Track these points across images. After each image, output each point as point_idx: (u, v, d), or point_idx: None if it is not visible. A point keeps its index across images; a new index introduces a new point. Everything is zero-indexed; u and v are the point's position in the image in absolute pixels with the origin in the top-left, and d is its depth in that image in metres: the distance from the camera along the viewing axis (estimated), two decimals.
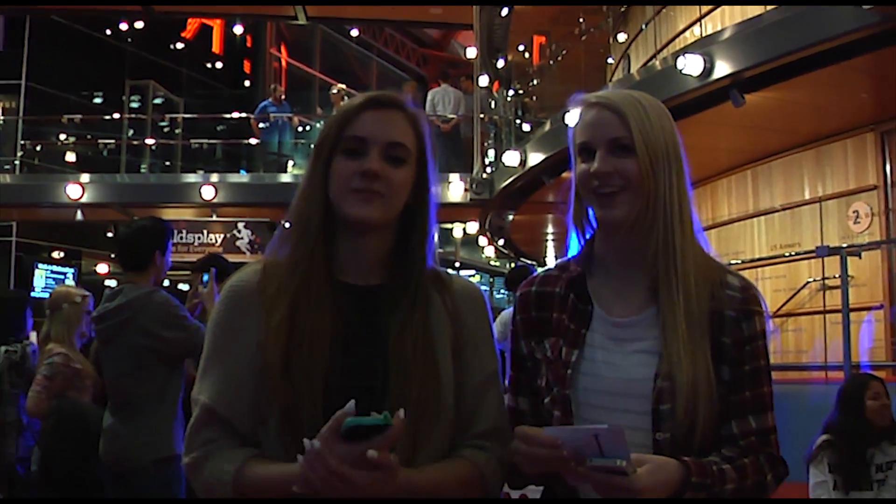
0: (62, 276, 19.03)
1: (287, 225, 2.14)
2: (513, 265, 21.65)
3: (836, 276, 8.65)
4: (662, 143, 2.11)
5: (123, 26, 23.05)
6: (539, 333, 2.23)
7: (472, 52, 18.07)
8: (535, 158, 12.97)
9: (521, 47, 19.00)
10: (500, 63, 18.92)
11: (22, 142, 19.00)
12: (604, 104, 2.14)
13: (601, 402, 2.10)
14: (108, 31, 23.33)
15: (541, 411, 2.21)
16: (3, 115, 20.26)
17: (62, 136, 20.28)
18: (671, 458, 1.96)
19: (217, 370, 2.07)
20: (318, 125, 18.76)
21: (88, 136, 20.38)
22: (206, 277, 5.35)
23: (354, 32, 28.23)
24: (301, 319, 2.01)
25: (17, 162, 18.79)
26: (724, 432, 2.08)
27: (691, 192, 2.17)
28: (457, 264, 27.41)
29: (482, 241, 21.50)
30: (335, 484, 1.77)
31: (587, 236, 2.26)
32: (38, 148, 19.66)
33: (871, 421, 5.50)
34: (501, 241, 19.59)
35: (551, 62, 17.18)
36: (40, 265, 19.67)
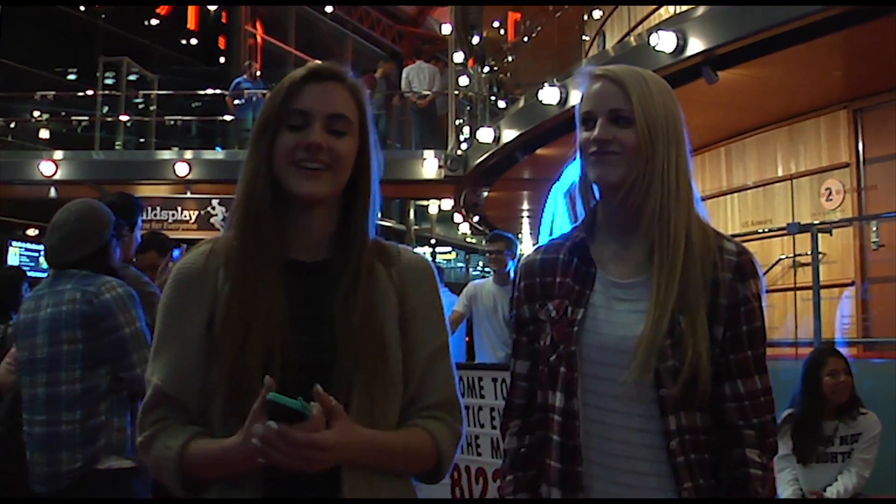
0: (36, 254, 18.91)
1: (234, 203, 2.13)
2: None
3: (808, 252, 8.71)
4: (662, 118, 2.23)
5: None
6: (542, 297, 2.34)
7: (447, 29, 18.03)
8: (509, 135, 12.98)
9: (496, 23, 18.98)
10: (475, 39, 18.89)
11: None
12: (608, 77, 2.27)
13: (603, 358, 2.21)
14: (82, 7, 23.14)
15: (536, 374, 2.34)
16: None
17: (35, 113, 20.11)
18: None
19: (167, 352, 2.09)
20: None
21: (62, 113, 20.23)
22: (176, 253, 5.33)
23: (329, 8, 28.12)
24: (249, 299, 2.02)
25: None
26: (728, 391, 2.21)
27: (691, 165, 2.28)
28: (433, 241, 27.43)
29: (458, 217, 21.52)
30: (300, 457, 1.84)
31: (591, 205, 2.38)
32: (12, 125, 19.51)
33: (827, 397, 5.52)
34: (476, 218, 19.62)
35: (526, 39, 17.16)
36: (14, 243, 19.53)
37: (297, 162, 2.05)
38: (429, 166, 16.15)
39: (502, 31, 19.05)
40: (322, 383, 1.94)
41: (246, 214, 2.09)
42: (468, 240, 28.52)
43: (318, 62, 2.16)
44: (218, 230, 15.58)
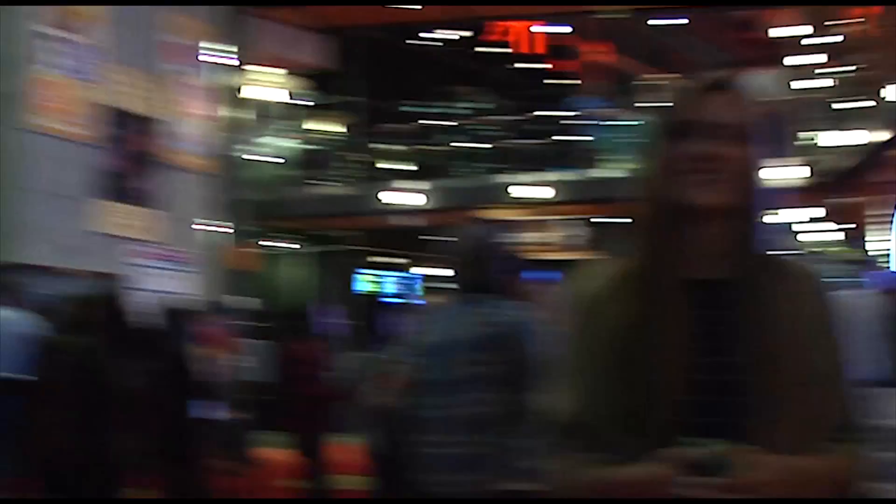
0: (410, 282, 19.88)
1: (631, 222, 2.12)
2: (852, 250, 20.78)
3: None
4: None
5: (442, 34, 23.83)
6: None
7: (790, 31, 17.56)
8: (873, 136, 12.51)
9: (856, 18, 18.19)
10: (829, 38, 18.24)
11: (355, 155, 20.07)
12: None
13: None
14: (425, 42, 24.13)
15: None
16: (343, 130, 21.39)
17: (391, 147, 21.14)
18: None
19: (574, 378, 2.08)
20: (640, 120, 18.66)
21: (417, 145, 21.12)
22: (532, 276, 5.41)
23: (671, 21, 27.90)
24: (653, 320, 1.99)
25: (351, 174, 19.86)
26: None
27: None
28: (793, 250, 26.64)
29: (821, 224, 20.81)
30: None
31: None
32: (370, 160, 20.64)
33: None
34: (842, 225, 18.92)
35: (888, 32, 16.35)
36: (370, 271, 20.61)
37: (689, 173, 2.00)
38: (788, 173, 15.70)
39: (862, 26, 18.21)
40: (729, 405, 1.93)
41: (643, 232, 2.08)
42: (834, 249, 27.47)
43: (712, 74, 2.13)
44: (580, 251, 15.80)
